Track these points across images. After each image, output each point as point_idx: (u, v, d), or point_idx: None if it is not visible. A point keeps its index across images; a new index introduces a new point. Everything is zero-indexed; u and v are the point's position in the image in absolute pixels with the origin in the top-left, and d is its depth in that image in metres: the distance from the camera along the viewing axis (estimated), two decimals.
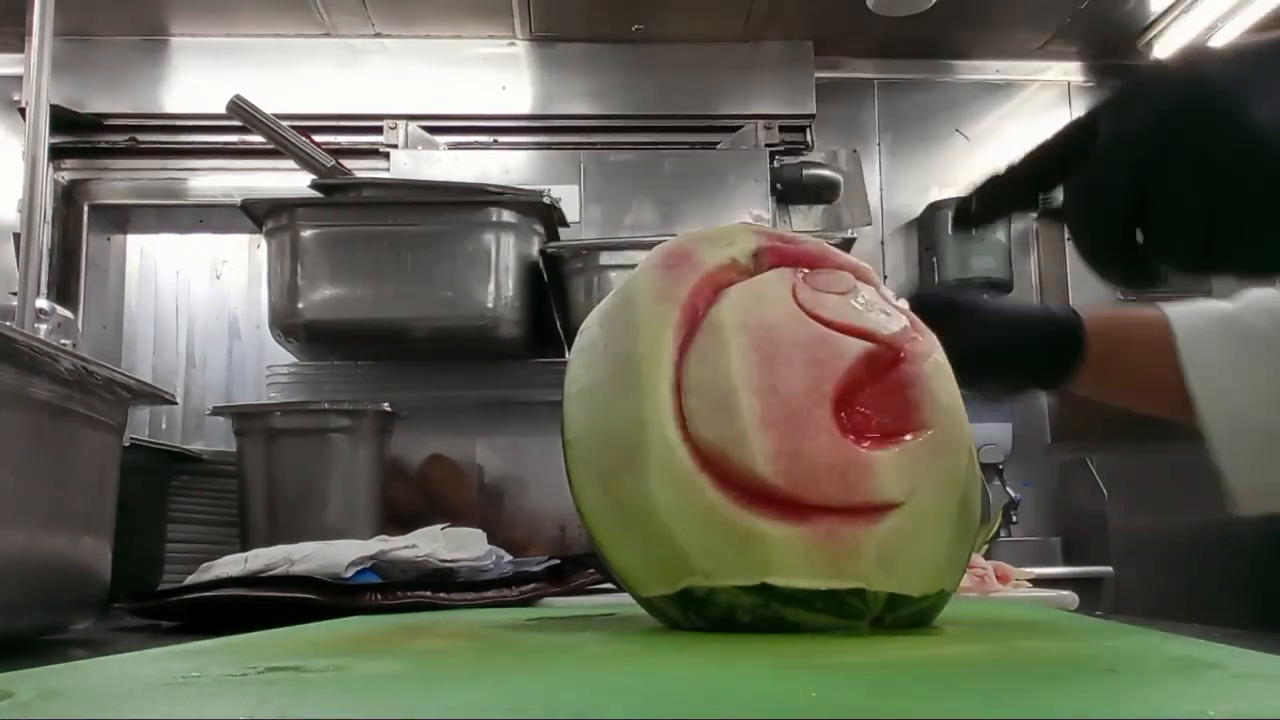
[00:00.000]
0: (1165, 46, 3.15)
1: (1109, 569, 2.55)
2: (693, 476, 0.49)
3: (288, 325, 1.48)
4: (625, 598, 0.87)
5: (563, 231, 1.59)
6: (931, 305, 0.66)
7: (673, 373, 0.51)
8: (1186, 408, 0.80)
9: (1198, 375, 0.79)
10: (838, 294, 0.53)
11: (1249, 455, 0.78)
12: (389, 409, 1.31)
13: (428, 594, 0.82)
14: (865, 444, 0.50)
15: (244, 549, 1.02)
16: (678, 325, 0.53)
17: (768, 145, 2.84)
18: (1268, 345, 0.79)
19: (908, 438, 0.51)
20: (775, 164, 2.87)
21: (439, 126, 2.83)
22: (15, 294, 1.76)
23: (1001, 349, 0.81)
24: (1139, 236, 0.48)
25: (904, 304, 0.58)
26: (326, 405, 1.34)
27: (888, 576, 0.49)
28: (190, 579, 0.90)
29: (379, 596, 0.81)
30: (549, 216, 1.53)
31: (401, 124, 2.80)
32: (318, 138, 1.68)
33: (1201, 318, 0.83)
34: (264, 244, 1.54)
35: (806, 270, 0.55)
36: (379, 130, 2.81)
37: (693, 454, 0.50)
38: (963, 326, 0.73)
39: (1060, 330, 0.84)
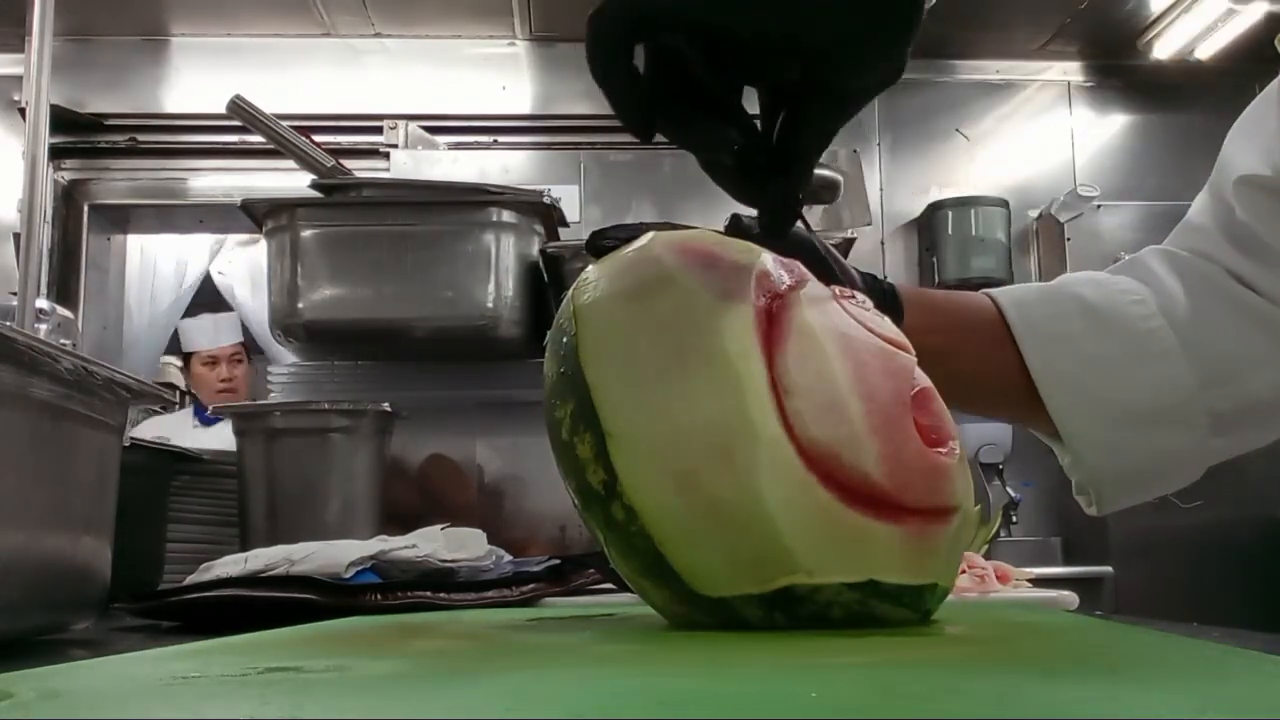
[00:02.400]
0: (1165, 46, 3.15)
1: (1109, 569, 2.55)
2: (802, 475, 0.50)
3: (288, 325, 1.48)
4: (626, 597, 0.87)
5: (563, 231, 1.59)
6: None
7: (767, 372, 0.52)
8: (1024, 402, 0.74)
9: (1037, 354, 0.73)
10: (866, 309, 0.57)
11: (1104, 438, 0.73)
12: (389, 409, 1.31)
13: (428, 594, 0.82)
14: (933, 450, 0.53)
15: (244, 549, 1.02)
16: (757, 325, 0.53)
17: None
18: (1101, 314, 0.74)
19: (951, 444, 0.53)
20: None
21: (439, 126, 2.83)
22: (15, 294, 1.77)
23: None
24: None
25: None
26: (326, 405, 1.34)
27: (948, 573, 0.53)
28: (190, 579, 0.90)
29: (379, 596, 0.81)
30: (549, 216, 1.53)
31: (401, 124, 2.80)
32: (318, 138, 1.68)
33: (1027, 292, 0.77)
34: (264, 244, 1.54)
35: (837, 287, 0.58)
36: (379, 130, 2.80)
37: (799, 453, 0.51)
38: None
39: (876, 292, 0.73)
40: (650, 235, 0.59)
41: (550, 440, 0.58)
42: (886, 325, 0.57)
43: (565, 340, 0.57)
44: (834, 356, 0.52)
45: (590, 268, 0.60)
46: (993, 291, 0.78)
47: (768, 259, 0.58)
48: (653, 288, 0.55)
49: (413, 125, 2.80)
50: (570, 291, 0.59)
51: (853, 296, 0.58)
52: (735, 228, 0.65)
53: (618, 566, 0.56)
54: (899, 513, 0.51)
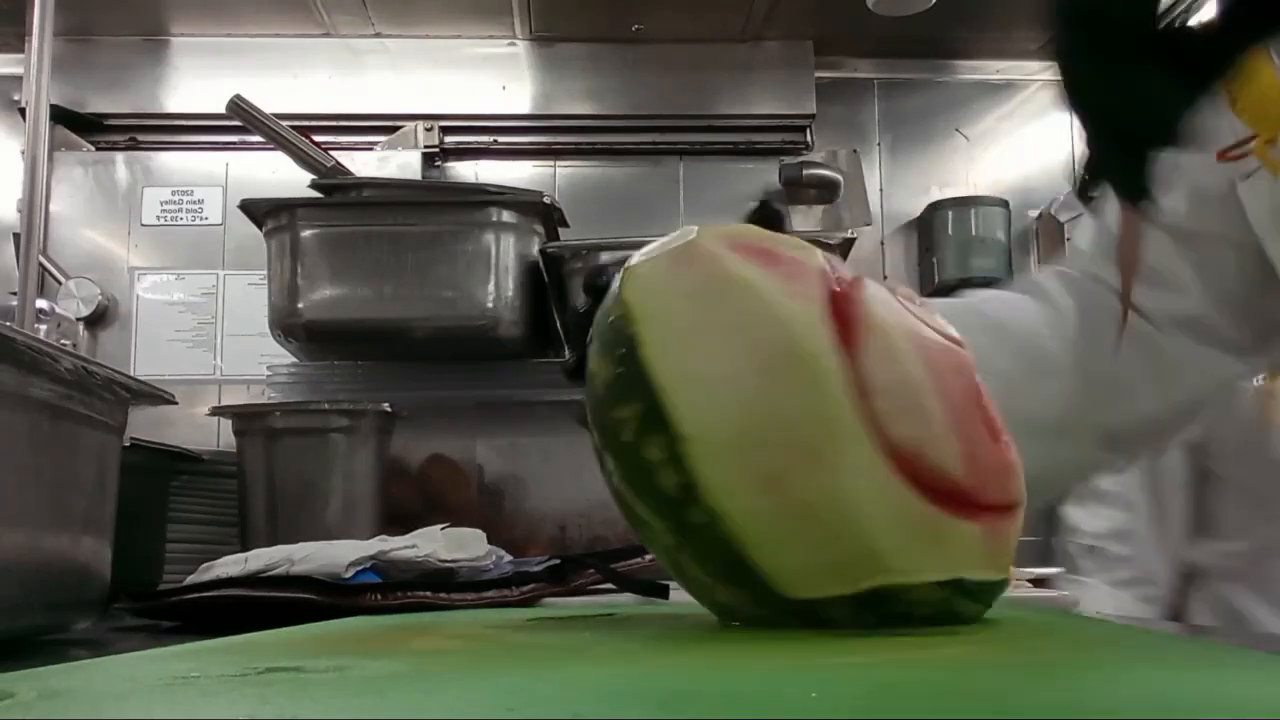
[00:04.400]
0: None
1: None
2: (888, 476, 0.50)
3: (288, 325, 1.48)
4: (625, 598, 0.87)
5: (562, 231, 1.60)
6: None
7: (847, 372, 0.52)
8: None
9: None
10: (918, 305, 0.56)
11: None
12: (389, 409, 1.31)
13: (428, 594, 0.82)
14: (1001, 446, 0.53)
15: (244, 549, 1.02)
16: (828, 323, 0.53)
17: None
18: (1002, 331, 0.76)
19: (1006, 439, 0.54)
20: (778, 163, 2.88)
21: (439, 126, 2.83)
22: (15, 294, 1.77)
23: None
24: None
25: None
26: (326, 405, 1.34)
27: (1010, 568, 0.54)
28: (190, 579, 0.90)
29: (379, 596, 0.81)
30: (549, 216, 1.53)
31: (404, 124, 2.80)
32: (318, 138, 1.68)
33: (953, 306, 0.79)
34: (264, 244, 1.54)
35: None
36: (379, 130, 2.81)
37: (885, 454, 0.51)
38: None
39: None
40: (693, 230, 0.58)
41: (603, 443, 0.56)
42: (939, 321, 0.56)
43: (621, 338, 0.54)
44: (909, 354, 0.52)
45: (636, 262, 0.57)
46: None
47: (820, 254, 0.57)
48: (718, 286, 0.54)
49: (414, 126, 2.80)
50: (618, 287, 0.56)
51: (902, 292, 0.58)
52: (763, 214, 0.64)
53: (687, 570, 0.55)
54: (977, 510, 0.51)
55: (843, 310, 0.54)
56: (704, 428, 0.51)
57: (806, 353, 0.51)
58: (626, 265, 0.57)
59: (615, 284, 0.57)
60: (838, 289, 0.55)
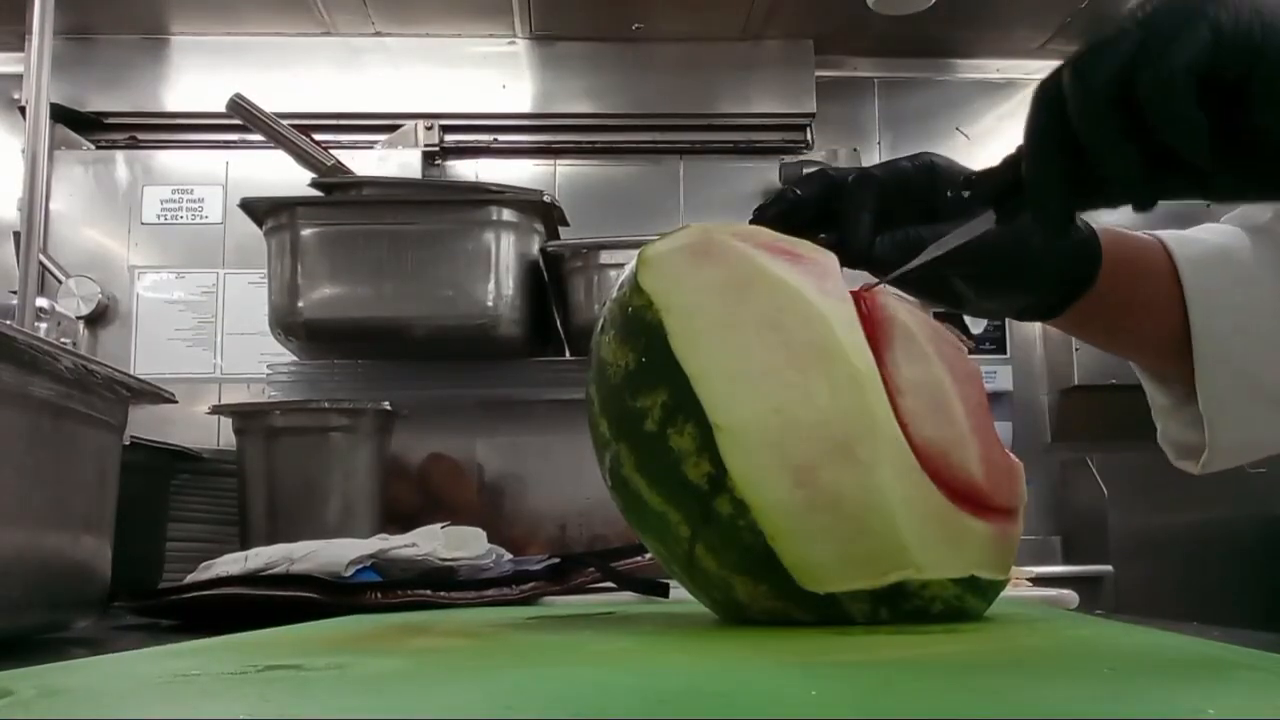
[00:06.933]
0: None
1: (1109, 568, 2.55)
2: (917, 473, 0.52)
3: (288, 324, 1.48)
4: (625, 596, 0.87)
5: (563, 230, 1.60)
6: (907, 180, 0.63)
7: (879, 371, 0.53)
8: (1172, 351, 0.72)
9: (1201, 314, 0.71)
10: (920, 309, 0.59)
11: (1237, 409, 0.72)
12: (389, 408, 1.31)
13: (428, 593, 0.82)
14: (1007, 452, 0.56)
15: (244, 548, 1.02)
16: (859, 324, 0.54)
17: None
18: (1268, 288, 0.72)
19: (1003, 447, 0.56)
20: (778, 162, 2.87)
21: (439, 125, 2.83)
22: (15, 293, 1.77)
23: (1010, 254, 0.65)
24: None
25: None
26: (326, 405, 1.34)
27: (1011, 568, 0.56)
28: (190, 578, 0.90)
29: (379, 595, 0.81)
30: (549, 215, 1.53)
31: (404, 123, 2.80)
32: (318, 136, 1.68)
33: (1205, 252, 0.74)
34: (264, 243, 1.54)
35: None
36: (379, 129, 2.80)
37: (913, 451, 0.52)
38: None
39: (1080, 240, 0.69)
40: (701, 227, 0.58)
41: (616, 432, 0.55)
42: (940, 325, 0.58)
43: (645, 327, 0.54)
44: (933, 357, 0.55)
45: (650, 252, 0.57)
46: (1167, 240, 0.74)
47: (834, 256, 0.58)
48: (748, 280, 0.54)
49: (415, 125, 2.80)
50: (633, 276, 0.56)
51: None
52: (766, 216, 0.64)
53: (700, 563, 0.54)
54: (990, 511, 0.54)
55: (868, 311, 0.55)
56: (738, 419, 0.51)
57: (845, 350, 0.52)
58: (641, 254, 0.57)
59: (629, 273, 0.57)
60: (860, 289, 0.57)
